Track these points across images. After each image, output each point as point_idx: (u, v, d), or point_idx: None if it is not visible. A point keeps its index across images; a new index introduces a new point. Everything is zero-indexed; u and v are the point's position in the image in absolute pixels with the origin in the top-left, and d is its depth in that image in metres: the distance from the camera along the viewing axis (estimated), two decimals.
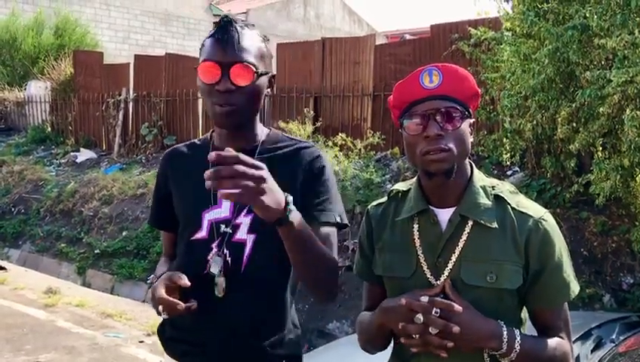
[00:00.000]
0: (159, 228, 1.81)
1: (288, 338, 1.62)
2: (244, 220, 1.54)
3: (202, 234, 1.57)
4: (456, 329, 1.25)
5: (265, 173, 1.18)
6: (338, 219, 1.54)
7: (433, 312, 1.27)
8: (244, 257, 1.54)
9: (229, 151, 1.16)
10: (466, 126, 1.39)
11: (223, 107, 1.49)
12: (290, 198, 1.26)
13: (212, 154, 1.14)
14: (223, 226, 1.55)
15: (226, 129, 1.57)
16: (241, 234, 1.54)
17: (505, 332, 1.31)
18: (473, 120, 1.44)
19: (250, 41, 1.51)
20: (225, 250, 1.54)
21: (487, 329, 1.30)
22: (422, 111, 1.36)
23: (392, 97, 1.45)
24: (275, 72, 1.60)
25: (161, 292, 1.46)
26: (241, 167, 1.14)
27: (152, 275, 1.61)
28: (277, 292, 1.60)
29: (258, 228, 1.53)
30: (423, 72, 1.38)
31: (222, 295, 1.51)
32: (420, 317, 1.27)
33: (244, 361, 1.57)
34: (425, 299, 1.30)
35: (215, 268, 1.52)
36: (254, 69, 1.49)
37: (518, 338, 1.31)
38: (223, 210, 1.56)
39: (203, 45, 1.54)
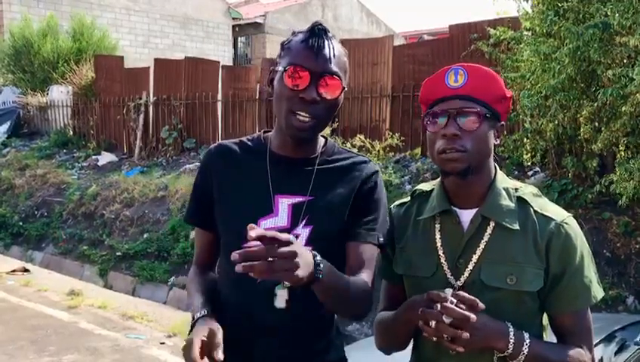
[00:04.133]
0: (199, 225, 1.65)
1: (335, 344, 1.60)
2: (303, 231, 1.48)
3: (257, 242, 1.52)
4: (473, 317, 1.24)
5: (296, 246, 1.15)
6: (381, 240, 1.49)
7: (448, 303, 1.26)
8: None
9: (257, 230, 1.12)
10: (487, 128, 1.37)
11: (305, 118, 1.42)
12: (319, 257, 1.24)
13: (251, 233, 1.11)
14: None
15: (299, 140, 1.48)
16: None
17: (512, 334, 1.29)
18: (501, 123, 1.43)
19: (339, 53, 1.46)
20: None
21: (494, 328, 1.29)
22: (443, 109, 1.37)
23: (420, 93, 1.46)
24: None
25: (195, 353, 1.31)
26: (278, 250, 1.11)
27: (190, 306, 1.53)
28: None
29: (315, 239, 1.47)
30: (449, 71, 1.39)
31: (284, 306, 1.43)
32: (437, 305, 1.27)
33: None
34: (449, 291, 1.30)
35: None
36: (342, 83, 1.45)
37: (527, 342, 1.30)
38: (280, 218, 1.49)
39: (289, 48, 1.47)
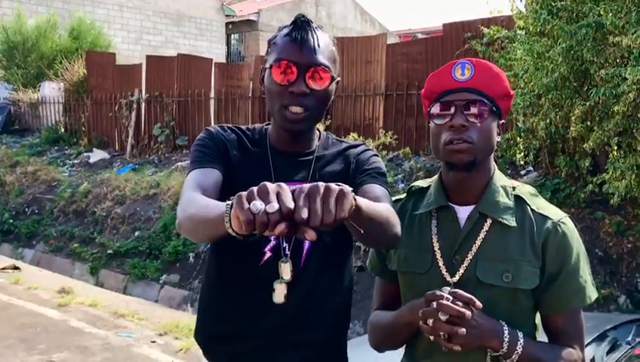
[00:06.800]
0: (214, 167, 1.46)
1: (339, 339, 1.60)
2: None
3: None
4: (468, 314, 1.24)
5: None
6: (385, 187, 1.47)
7: (444, 300, 1.26)
8: (304, 252, 1.48)
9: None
10: (492, 122, 1.38)
11: (296, 111, 1.41)
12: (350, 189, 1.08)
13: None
14: None
15: (293, 133, 1.48)
16: None
17: (506, 333, 1.29)
18: (502, 121, 1.44)
19: (325, 43, 1.45)
20: (284, 243, 1.46)
21: (488, 327, 1.28)
22: (450, 100, 1.37)
23: (424, 89, 1.46)
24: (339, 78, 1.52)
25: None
26: None
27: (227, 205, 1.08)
28: (333, 297, 1.56)
29: None
30: (456, 65, 1.39)
31: (282, 301, 1.42)
32: (434, 303, 1.27)
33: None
34: (446, 289, 1.29)
35: (287, 274, 1.42)
36: (331, 73, 1.44)
37: (521, 341, 1.30)
38: None
39: (274, 44, 1.46)
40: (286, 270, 1.43)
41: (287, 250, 1.45)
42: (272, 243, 1.47)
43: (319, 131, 1.61)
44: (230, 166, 1.49)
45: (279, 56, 1.42)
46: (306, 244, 1.47)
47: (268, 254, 1.47)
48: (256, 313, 1.48)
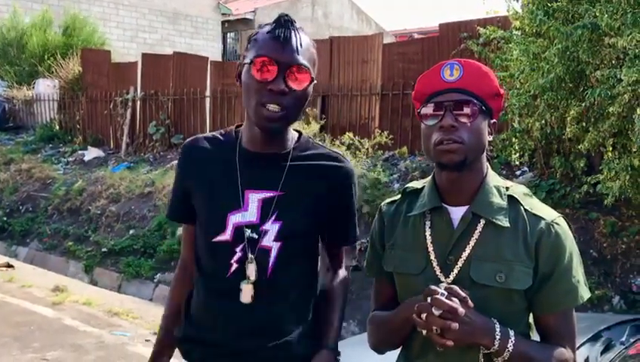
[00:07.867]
0: (180, 221, 1.67)
1: (306, 341, 1.59)
2: (272, 227, 1.47)
3: (225, 237, 1.48)
4: (461, 310, 1.25)
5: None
6: (356, 241, 1.65)
7: (439, 296, 1.26)
8: (270, 264, 1.48)
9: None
10: (482, 122, 1.38)
11: (273, 109, 1.39)
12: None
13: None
14: (248, 231, 1.47)
15: (268, 132, 1.46)
16: (268, 241, 1.47)
17: (497, 330, 1.29)
18: (494, 121, 1.44)
19: (306, 44, 1.44)
20: (249, 255, 1.47)
21: (480, 324, 1.29)
22: (439, 101, 1.37)
23: (414, 90, 1.46)
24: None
25: None
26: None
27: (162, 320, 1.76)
28: (300, 301, 1.57)
29: (285, 236, 1.48)
30: (444, 65, 1.39)
31: (250, 301, 1.46)
32: (429, 298, 1.28)
33: None
34: (443, 284, 1.30)
35: (252, 274, 1.46)
36: (310, 74, 1.43)
37: (512, 339, 1.30)
38: (249, 213, 1.48)
39: (255, 40, 1.44)
40: (251, 271, 1.46)
41: (251, 252, 1.47)
42: (239, 254, 1.48)
43: (299, 133, 1.59)
44: (195, 183, 1.56)
45: (260, 53, 1.40)
46: (274, 251, 1.48)
47: (235, 266, 1.49)
48: (226, 319, 1.51)
